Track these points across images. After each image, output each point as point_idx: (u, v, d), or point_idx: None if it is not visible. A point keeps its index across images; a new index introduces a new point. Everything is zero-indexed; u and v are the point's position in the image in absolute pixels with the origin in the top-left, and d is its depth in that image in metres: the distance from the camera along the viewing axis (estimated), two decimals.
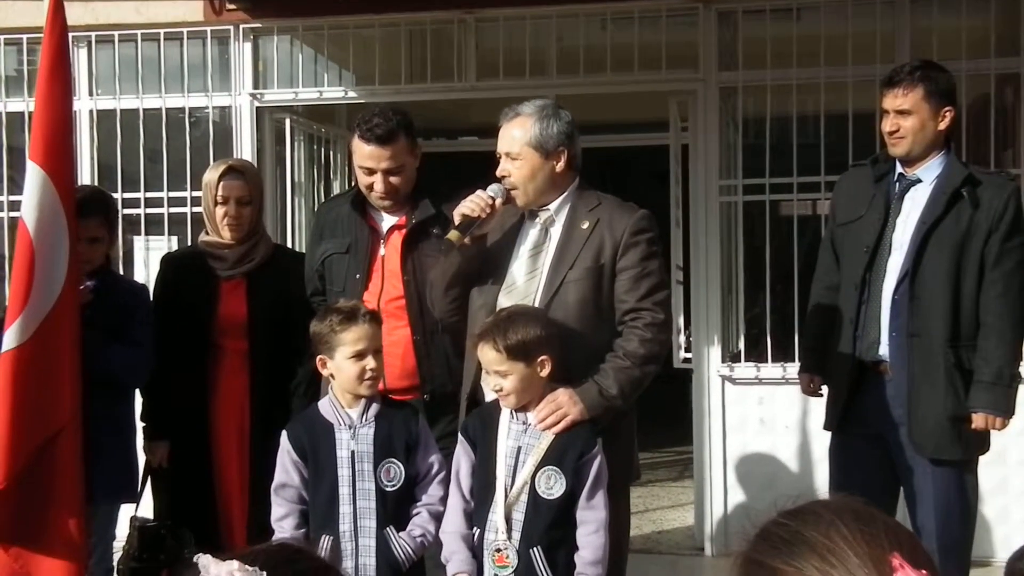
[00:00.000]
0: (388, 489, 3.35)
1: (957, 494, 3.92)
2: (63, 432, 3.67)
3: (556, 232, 3.51)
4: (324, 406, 3.45)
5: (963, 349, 3.86)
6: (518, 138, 3.49)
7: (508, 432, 3.23)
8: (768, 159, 5.88)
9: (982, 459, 5.57)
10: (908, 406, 3.89)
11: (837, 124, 5.84)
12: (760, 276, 5.98)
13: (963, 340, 3.86)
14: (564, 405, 3.22)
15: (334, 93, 6.43)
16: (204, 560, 1.28)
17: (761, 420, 5.88)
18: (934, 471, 3.90)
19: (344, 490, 3.33)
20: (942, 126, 3.93)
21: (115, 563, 4.15)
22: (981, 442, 3.94)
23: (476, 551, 3.23)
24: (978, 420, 3.83)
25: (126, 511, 4.21)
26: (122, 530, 4.22)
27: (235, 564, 1.27)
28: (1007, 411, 3.84)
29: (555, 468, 3.17)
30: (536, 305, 3.40)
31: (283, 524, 3.39)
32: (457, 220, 3.49)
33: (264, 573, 1.27)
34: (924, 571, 1.21)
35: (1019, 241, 3.85)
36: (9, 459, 3.58)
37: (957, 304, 3.85)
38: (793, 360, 5.71)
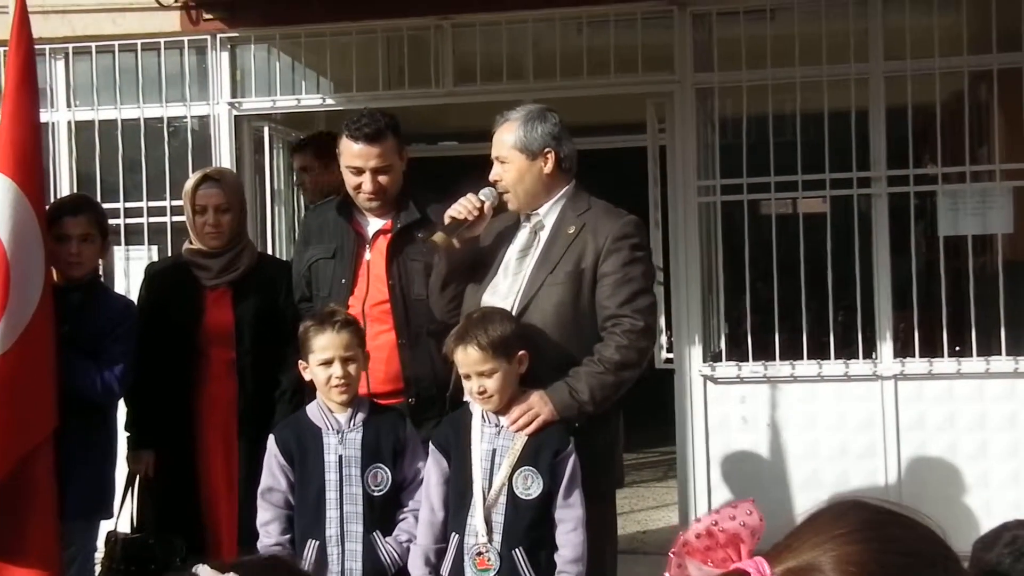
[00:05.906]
0: (375, 494, 3.36)
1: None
2: (38, 445, 3.67)
3: (544, 236, 3.54)
4: (312, 411, 3.45)
5: None
6: (506, 142, 3.55)
7: (482, 436, 3.25)
8: (745, 159, 5.90)
9: (964, 453, 5.65)
10: None
11: (813, 123, 5.88)
12: (740, 275, 6.00)
13: None
14: (535, 406, 3.25)
15: (312, 100, 6.43)
16: (202, 571, 1.28)
17: (743, 419, 5.90)
18: None
19: (331, 495, 3.34)
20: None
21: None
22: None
23: (437, 565, 3.25)
24: None
25: (107, 521, 4.18)
26: (101, 541, 4.19)
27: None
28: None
29: (531, 468, 3.19)
30: (515, 307, 3.42)
31: (268, 529, 3.39)
32: (446, 222, 3.52)
33: None
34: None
35: None
36: None
37: None
38: (774, 359, 5.77)
